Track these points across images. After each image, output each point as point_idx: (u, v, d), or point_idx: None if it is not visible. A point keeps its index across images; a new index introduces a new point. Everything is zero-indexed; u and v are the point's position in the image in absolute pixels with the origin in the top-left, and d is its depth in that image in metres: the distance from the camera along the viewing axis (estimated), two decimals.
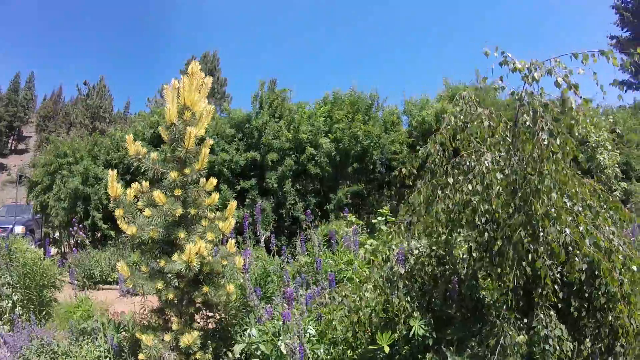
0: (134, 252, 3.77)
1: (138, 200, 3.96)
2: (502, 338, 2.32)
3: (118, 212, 3.33)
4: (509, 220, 2.51)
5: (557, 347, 2.28)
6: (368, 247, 4.45)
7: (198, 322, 3.85)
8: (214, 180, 3.87)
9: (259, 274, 4.27)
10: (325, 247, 5.01)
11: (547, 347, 2.28)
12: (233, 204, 3.81)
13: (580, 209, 2.53)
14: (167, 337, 3.32)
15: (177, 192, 3.65)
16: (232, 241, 3.77)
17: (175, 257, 3.34)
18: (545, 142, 2.50)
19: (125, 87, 45.81)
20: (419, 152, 3.15)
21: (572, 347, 2.32)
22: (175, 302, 3.65)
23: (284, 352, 2.94)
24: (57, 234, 9.70)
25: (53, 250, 8.61)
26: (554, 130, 2.56)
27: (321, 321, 3.29)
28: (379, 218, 5.30)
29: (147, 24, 42.44)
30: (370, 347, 2.69)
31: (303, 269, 4.55)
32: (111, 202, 3.61)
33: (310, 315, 3.49)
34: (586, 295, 2.45)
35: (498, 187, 2.60)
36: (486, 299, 2.71)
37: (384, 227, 4.57)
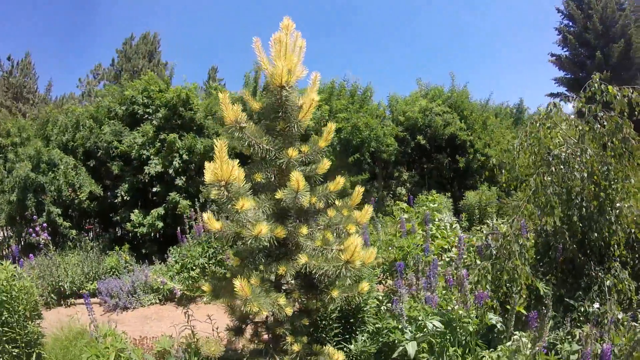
0: (235, 257, 2.84)
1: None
2: (601, 284, 3.43)
3: (240, 204, 2.37)
4: (596, 199, 3.64)
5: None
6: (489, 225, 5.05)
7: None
8: (327, 162, 3.12)
9: None
10: None
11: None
12: (360, 189, 3.11)
13: None
14: None
15: (293, 175, 2.86)
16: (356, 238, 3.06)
17: (311, 258, 2.58)
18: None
19: (49, 67, 38.32)
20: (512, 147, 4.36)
21: (634, 287, 3.42)
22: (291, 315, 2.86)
23: None
24: None
25: None
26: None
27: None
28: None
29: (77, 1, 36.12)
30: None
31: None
32: (211, 188, 2.66)
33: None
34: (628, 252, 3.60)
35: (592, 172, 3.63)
36: (578, 260, 3.69)
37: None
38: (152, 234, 6.97)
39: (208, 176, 3.04)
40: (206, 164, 3.12)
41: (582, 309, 3.40)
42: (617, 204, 3.66)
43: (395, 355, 2.96)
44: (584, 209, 3.73)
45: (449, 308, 3.18)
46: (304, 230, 2.78)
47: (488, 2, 47.94)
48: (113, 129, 6.91)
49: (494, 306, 3.35)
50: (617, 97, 3.89)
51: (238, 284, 2.30)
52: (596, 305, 3.36)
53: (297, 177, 2.53)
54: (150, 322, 5.09)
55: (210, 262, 6.07)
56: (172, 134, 6.91)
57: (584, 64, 14.55)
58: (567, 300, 3.50)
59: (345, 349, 3.25)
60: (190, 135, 7.05)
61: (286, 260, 2.77)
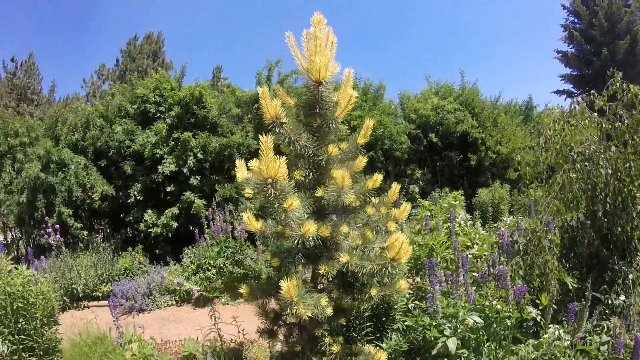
0: (274, 257, 2.74)
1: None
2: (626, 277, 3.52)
3: (289, 202, 2.24)
4: (620, 195, 3.72)
5: None
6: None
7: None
8: (363, 160, 3.02)
9: None
10: None
11: None
12: (397, 186, 3.01)
13: None
14: None
15: (337, 173, 2.76)
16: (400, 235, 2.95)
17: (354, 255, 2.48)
18: None
19: (51, 68, 38.31)
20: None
21: None
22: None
23: None
24: (7, 237, 7.33)
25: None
26: None
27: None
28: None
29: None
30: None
31: None
32: (246, 186, 2.56)
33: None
34: None
35: (617, 169, 3.70)
36: (602, 254, 3.76)
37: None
38: (166, 234, 6.87)
39: (240, 175, 2.97)
40: (237, 161, 3.04)
41: (609, 302, 3.46)
42: (637, 199, 3.71)
43: (435, 352, 2.91)
44: (608, 205, 3.85)
45: (485, 303, 3.15)
46: (344, 228, 2.68)
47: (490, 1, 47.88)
48: (125, 127, 6.80)
49: (533, 300, 3.32)
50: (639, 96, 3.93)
51: (285, 285, 2.20)
52: (622, 297, 3.44)
53: (342, 175, 2.43)
54: (168, 325, 4.98)
55: (228, 262, 5.97)
56: (186, 132, 6.80)
57: (590, 61, 14.40)
58: (594, 293, 3.51)
59: (377, 347, 3.19)
60: (204, 134, 6.95)
61: (326, 260, 2.68)
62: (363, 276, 2.79)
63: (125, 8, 38.68)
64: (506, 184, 10.19)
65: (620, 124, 3.97)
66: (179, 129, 7.11)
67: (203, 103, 7.28)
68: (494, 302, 3.08)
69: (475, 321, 2.88)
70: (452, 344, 2.80)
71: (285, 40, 2.96)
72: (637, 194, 3.73)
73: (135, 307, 5.35)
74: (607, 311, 3.46)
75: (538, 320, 3.21)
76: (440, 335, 2.98)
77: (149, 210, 6.82)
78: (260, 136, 2.25)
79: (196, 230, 6.63)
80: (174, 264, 6.51)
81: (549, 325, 3.11)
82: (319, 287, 2.89)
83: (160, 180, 6.86)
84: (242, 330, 3.87)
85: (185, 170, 6.86)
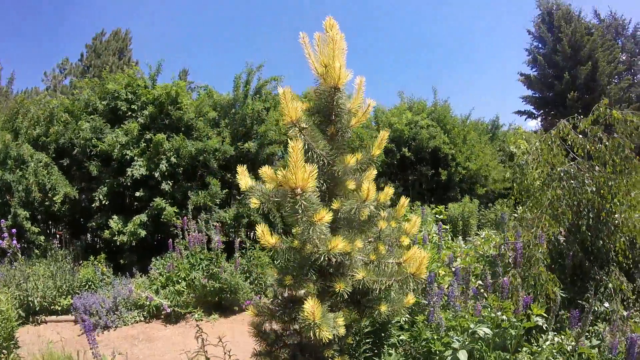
0: (287, 275, 2.53)
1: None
2: (606, 286, 3.74)
3: (319, 215, 2.03)
4: (602, 211, 4.00)
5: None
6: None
7: None
8: (373, 171, 2.93)
9: None
10: None
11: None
12: (405, 200, 2.93)
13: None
14: None
15: (351, 184, 2.65)
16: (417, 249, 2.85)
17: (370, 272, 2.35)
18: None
19: (10, 59, 34.90)
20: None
21: (631, 288, 3.81)
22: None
23: None
24: None
25: None
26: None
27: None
28: None
29: None
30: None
31: None
32: (251, 196, 2.37)
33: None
34: (631, 255, 3.98)
35: (600, 186, 4.02)
36: (585, 265, 4.02)
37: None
38: (132, 243, 6.33)
39: (243, 182, 2.76)
40: (239, 168, 2.84)
41: (594, 309, 3.65)
42: (616, 215, 4.03)
43: None
44: (590, 220, 4.13)
45: (492, 315, 3.21)
46: (359, 243, 2.54)
47: (461, 19, 50.55)
48: (93, 125, 6.22)
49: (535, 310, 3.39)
50: (621, 122, 4.24)
51: (309, 306, 2.01)
52: (606, 304, 3.66)
53: (367, 187, 2.30)
54: (138, 344, 4.53)
55: (201, 275, 5.59)
56: (160, 134, 6.37)
57: (551, 84, 15.51)
58: (579, 301, 3.71)
59: None
60: (179, 137, 6.54)
61: (340, 276, 2.52)
62: (374, 292, 2.67)
63: (93, 1, 36.61)
64: (475, 199, 10.57)
65: (601, 145, 4.24)
66: (151, 129, 6.66)
67: (179, 104, 6.88)
68: (499, 313, 3.13)
69: (485, 332, 2.86)
70: (463, 356, 2.78)
71: (299, 41, 2.84)
72: (616, 210, 4.01)
73: (100, 323, 4.83)
74: (591, 318, 3.65)
75: (544, 328, 3.29)
76: (445, 349, 2.94)
77: (115, 216, 6.27)
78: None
79: (170, 240, 6.18)
80: (141, 276, 6.00)
81: (549, 332, 3.24)
82: (327, 305, 2.72)
83: (128, 184, 6.34)
84: (229, 352, 3.56)
85: (156, 174, 6.40)
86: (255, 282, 6.03)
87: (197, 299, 5.64)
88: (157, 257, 6.22)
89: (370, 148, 2.81)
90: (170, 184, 6.54)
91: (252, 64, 7.83)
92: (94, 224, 6.31)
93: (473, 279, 3.79)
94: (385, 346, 3.36)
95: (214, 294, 5.63)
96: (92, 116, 6.35)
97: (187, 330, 5.05)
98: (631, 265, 4.02)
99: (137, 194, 6.37)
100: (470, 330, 2.90)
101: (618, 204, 3.93)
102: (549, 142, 4.49)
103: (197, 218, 6.39)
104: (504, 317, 3.10)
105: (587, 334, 3.25)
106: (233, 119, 7.31)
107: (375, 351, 3.34)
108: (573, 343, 2.91)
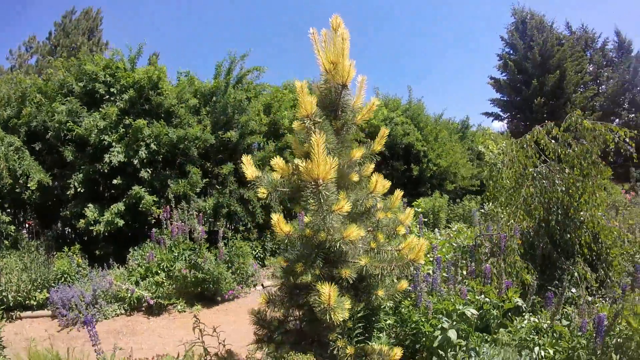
0: (297, 263, 2.63)
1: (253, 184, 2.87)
2: (572, 274, 4.12)
3: (339, 205, 2.18)
4: (569, 208, 4.42)
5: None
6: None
7: None
8: (371, 165, 3.10)
9: None
10: None
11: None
12: (400, 192, 3.12)
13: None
14: None
15: (355, 177, 2.80)
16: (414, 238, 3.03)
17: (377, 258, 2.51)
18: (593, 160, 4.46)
19: None
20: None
21: (595, 277, 4.19)
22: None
23: None
24: None
25: None
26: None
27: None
28: None
29: None
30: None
31: None
32: (258, 186, 2.46)
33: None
34: (595, 248, 4.40)
35: (569, 187, 4.43)
36: (553, 256, 4.41)
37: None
38: (107, 233, 6.14)
39: (249, 172, 2.85)
40: (244, 157, 2.92)
41: (562, 294, 4.05)
42: (582, 213, 4.44)
43: (436, 343, 3.06)
44: (559, 216, 4.53)
45: (477, 297, 3.51)
46: (362, 232, 2.69)
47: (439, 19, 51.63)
48: (69, 107, 5.91)
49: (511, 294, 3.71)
50: (590, 130, 4.66)
51: (326, 291, 2.13)
52: (573, 290, 4.03)
53: (376, 179, 2.45)
54: (123, 338, 4.42)
55: (184, 265, 5.54)
56: (140, 119, 6.18)
57: (519, 89, 16.43)
58: (549, 287, 4.08)
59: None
60: (160, 123, 6.37)
61: (344, 263, 2.67)
62: (371, 278, 2.85)
63: None
64: (445, 195, 11.07)
65: (570, 150, 4.65)
66: (130, 114, 6.44)
67: (160, 89, 6.70)
68: (482, 296, 3.44)
69: (472, 313, 3.10)
70: (453, 335, 3.00)
71: (309, 36, 2.91)
72: (582, 208, 4.43)
73: (80, 318, 4.67)
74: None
75: (520, 310, 3.64)
76: (434, 330, 3.16)
77: (90, 205, 6.04)
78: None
79: (147, 229, 6.03)
80: (118, 267, 5.85)
81: (525, 313, 3.61)
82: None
83: (105, 171, 6.12)
84: (223, 341, 3.59)
85: (135, 161, 6.22)
86: (237, 272, 6.05)
87: (178, 290, 5.58)
88: (135, 248, 6.07)
89: (371, 144, 2.97)
90: (149, 172, 6.38)
91: (235, 52, 7.73)
92: (67, 212, 6.04)
93: (454, 268, 4.07)
94: (375, 330, 3.54)
95: (196, 285, 5.60)
96: (67, 98, 6.04)
97: (170, 322, 5.01)
98: (594, 258, 4.44)
99: (115, 181, 6.16)
100: (458, 312, 3.13)
101: (584, 202, 4.33)
102: (524, 145, 4.86)
103: (177, 207, 6.30)
104: (487, 299, 3.39)
105: (557, 315, 3.62)
106: (214, 107, 7.21)
107: (366, 335, 3.52)
108: (548, 322, 3.23)
